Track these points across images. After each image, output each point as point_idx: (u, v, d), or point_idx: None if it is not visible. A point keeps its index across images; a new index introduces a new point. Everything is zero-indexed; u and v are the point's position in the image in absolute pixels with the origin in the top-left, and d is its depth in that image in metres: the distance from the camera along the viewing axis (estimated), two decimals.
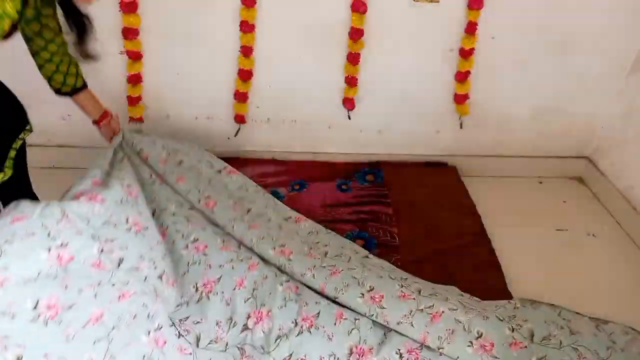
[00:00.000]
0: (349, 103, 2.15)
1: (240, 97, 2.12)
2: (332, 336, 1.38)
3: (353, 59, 2.03)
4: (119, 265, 1.24)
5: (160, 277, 1.36)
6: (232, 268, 1.51)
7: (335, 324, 1.41)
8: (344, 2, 1.94)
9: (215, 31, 1.99)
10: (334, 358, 1.34)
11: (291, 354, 1.34)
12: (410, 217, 1.96)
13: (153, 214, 1.60)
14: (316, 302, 1.47)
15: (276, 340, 1.36)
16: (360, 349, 1.36)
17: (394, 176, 2.20)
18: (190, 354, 1.30)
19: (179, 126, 2.23)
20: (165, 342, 1.24)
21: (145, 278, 1.29)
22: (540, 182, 2.36)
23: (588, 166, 2.34)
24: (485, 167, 2.36)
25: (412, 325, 1.38)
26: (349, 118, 2.20)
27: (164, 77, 2.09)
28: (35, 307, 1.01)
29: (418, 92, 2.16)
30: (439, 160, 2.34)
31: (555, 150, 2.34)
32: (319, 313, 1.43)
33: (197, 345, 1.33)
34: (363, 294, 1.46)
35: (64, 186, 2.13)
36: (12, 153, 1.47)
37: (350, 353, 1.35)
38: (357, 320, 1.43)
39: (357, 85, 2.11)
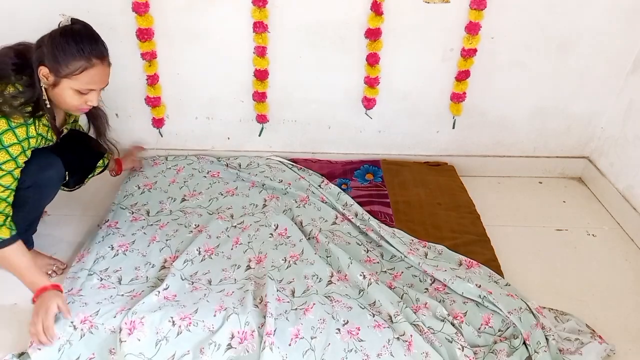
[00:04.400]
0: (367, 102, 2.15)
1: (259, 97, 2.13)
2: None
3: (371, 58, 2.03)
4: (120, 282, 1.58)
5: (161, 267, 1.65)
6: (228, 236, 1.79)
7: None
8: (346, 2, 1.94)
9: (216, 31, 1.99)
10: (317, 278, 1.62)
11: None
12: (410, 216, 1.96)
13: (148, 214, 1.90)
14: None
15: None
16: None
17: (394, 176, 2.20)
18: None
19: (178, 126, 2.23)
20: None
21: (147, 279, 1.60)
22: (540, 182, 2.36)
23: (588, 166, 2.34)
24: (485, 167, 2.36)
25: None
26: (370, 117, 2.21)
27: (164, 77, 2.09)
28: (75, 326, 1.39)
29: (418, 91, 2.16)
30: (438, 160, 2.34)
31: (555, 150, 2.34)
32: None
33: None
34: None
35: None
36: (97, 170, 1.86)
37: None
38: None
39: (377, 86, 2.11)
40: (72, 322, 1.38)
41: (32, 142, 1.42)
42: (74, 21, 1.42)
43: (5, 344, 1.43)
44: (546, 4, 1.95)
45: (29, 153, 1.42)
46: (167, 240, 1.76)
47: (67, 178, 1.66)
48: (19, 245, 1.42)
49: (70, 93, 1.41)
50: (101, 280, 1.56)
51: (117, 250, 1.69)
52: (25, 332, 1.46)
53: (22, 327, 1.48)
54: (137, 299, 1.49)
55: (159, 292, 1.49)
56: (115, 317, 1.42)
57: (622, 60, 2.10)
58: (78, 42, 1.38)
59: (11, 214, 1.41)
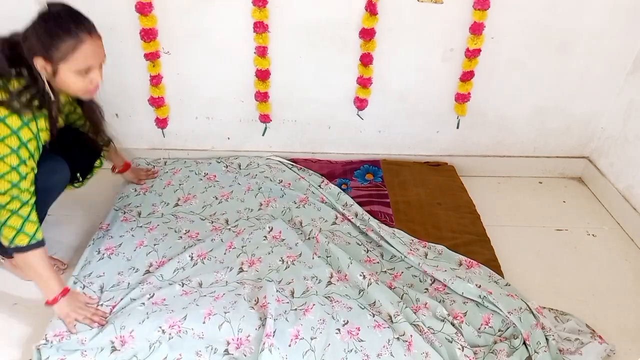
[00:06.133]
0: (359, 103, 2.15)
1: (261, 97, 2.12)
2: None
3: (365, 59, 2.03)
4: (101, 289, 1.55)
5: (145, 272, 1.63)
6: (222, 241, 1.77)
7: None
8: (346, 2, 1.93)
9: (215, 31, 1.99)
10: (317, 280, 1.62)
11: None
12: (410, 216, 1.96)
13: (139, 215, 1.89)
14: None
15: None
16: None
17: (394, 176, 2.20)
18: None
19: (178, 126, 2.23)
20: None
21: (129, 284, 1.57)
22: (540, 182, 2.36)
23: (588, 166, 2.34)
24: (485, 167, 2.36)
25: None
26: (361, 118, 2.21)
27: (164, 77, 2.08)
28: (47, 339, 1.39)
29: (418, 91, 2.16)
30: (438, 159, 2.34)
31: (555, 151, 2.34)
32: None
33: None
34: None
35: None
36: (95, 170, 1.77)
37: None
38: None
39: (370, 86, 2.11)
40: (45, 336, 1.38)
41: (42, 135, 1.41)
42: (51, 4, 1.36)
43: (6, 344, 1.44)
44: (546, 4, 1.95)
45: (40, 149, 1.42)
46: (154, 245, 1.74)
47: (76, 181, 1.67)
48: (40, 251, 1.43)
49: (72, 76, 1.37)
50: (83, 289, 1.54)
51: (103, 254, 1.68)
52: (25, 332, 1.46)
53: (22, 327, 1.49)
54: (116, 310, 1.47)
55: (143, 303, 1.48)
56: (91, 328, 1.40)
57: (622, 60, 2.10)
58: (61, 23, 1.33)
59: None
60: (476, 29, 1.95)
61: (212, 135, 2.27)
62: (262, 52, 2.01)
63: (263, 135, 2.25)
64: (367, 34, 1.97)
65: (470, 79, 2.08)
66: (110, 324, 1.41)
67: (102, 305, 1.49)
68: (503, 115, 2.24)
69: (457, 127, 2.23)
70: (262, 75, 2.07)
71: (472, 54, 2.01)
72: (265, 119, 2.20)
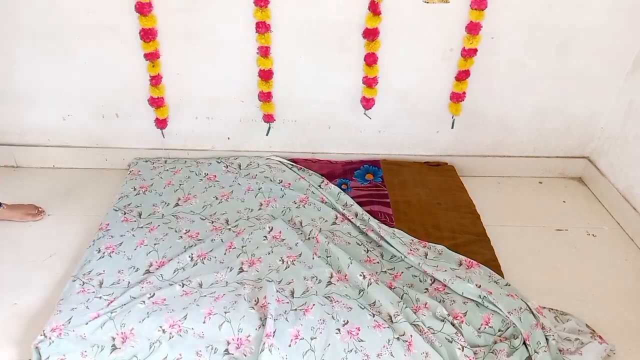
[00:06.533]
0: (366, 102, 2.15)
1: (265, 97, 2.12)
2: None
3: (369, 58, 2.03)
4: (101, 285, 1.57)
5: (145, 272, 1.64)
6: (222, 241, 1.78)
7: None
8: (347, 2, 1.93)
9: (215, 31, 1.99)
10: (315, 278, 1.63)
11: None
12: (410, 216, 1.96)
13: (140, 216, 1.89)
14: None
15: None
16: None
17: (394, 176, 2.20)
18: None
19: (178, 126, 2.23)
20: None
21: (129, 283, 1.58)
22: (540, 182, 2.36)
23: (588, 166, 2.34)
24: (485, 167, 2.36)
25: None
26: (369, 117, 2.21)
27: (164, 78, 2.08)
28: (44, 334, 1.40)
29: (418, 91, 2.16)
30: (438, 160, 2.34)
31: (555, 151, 2.34)
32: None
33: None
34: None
35: (63, 186, 2.18)
36: None
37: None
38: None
39: (375, 86, 2.11)
40: (43, 332, 1.38)
41: None
42: None
43: (6, 343, 1.44)
44: (546, 4, 1.95)
45: None
46: (155, 245, 1.74)
47: None
48: None
49: None
50: (83, 285, 1.55)
51: (103, 253, 1.69)
52: (25, 332, 1.46)
53: (22, 327, 1.49)
54: (115, 305, 1.47)
55: (143, 301, 1.48)
56: (87, 324, 1.40)
57: (622, 60, 2.09)
58: None
59: None
60: (472, 28, 1.95)
61: (212, 135, 2.27)
62: (264, 52, 2.01)
63: (267, 135, 2.26)
64: (370, 34, 1.97)
65: (466, 78, 2.08)
66: (111, 320, 1.41)
67: (100, 298, 1.50)
68: (503, 115, 2.23)
69: (452, 127, 2.23)
70: (265, 75, 2.07)
71: (468, 53, 2.01)
72: (269, 118, 2.20)
